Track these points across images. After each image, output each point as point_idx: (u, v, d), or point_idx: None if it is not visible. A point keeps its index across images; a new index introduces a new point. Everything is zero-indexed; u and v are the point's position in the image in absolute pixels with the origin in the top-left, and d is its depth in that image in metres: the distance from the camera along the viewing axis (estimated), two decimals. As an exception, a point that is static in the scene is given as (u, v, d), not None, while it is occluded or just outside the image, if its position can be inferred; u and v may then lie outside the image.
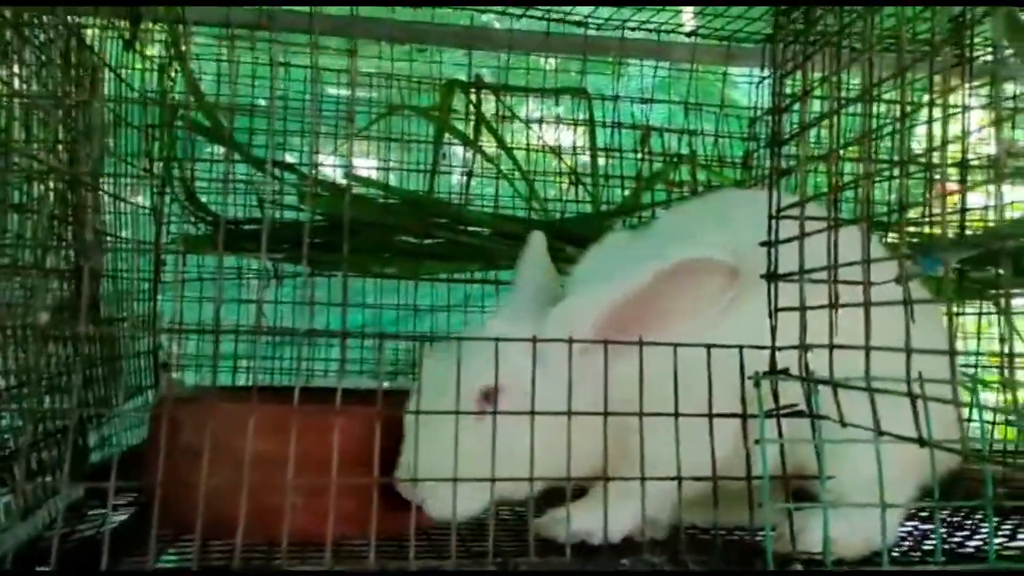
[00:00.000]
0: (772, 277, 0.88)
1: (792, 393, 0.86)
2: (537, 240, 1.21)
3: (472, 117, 1.93)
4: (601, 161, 1.96)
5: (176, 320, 1.71)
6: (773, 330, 0.87)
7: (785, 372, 0.85)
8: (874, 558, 0.89)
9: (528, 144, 1.98)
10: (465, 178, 1.96)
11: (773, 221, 0.88)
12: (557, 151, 1.96)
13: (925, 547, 1.07)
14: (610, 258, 1.08)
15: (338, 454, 0.79)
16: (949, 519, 1.20)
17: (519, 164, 1.90)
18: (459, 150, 2.03)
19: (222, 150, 1.84)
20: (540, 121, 2.01)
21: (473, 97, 1.92)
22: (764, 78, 1.95)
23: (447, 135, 1.93)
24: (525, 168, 1.93)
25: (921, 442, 0.72)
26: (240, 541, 0.76)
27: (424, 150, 2.00)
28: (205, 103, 1.69)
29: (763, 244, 0.89)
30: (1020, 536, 1.15)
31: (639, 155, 1.95)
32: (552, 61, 2.05)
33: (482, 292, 1.93)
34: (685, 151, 1.98)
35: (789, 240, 0.87)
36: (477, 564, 0.84)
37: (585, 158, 2.00)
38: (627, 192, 1.96)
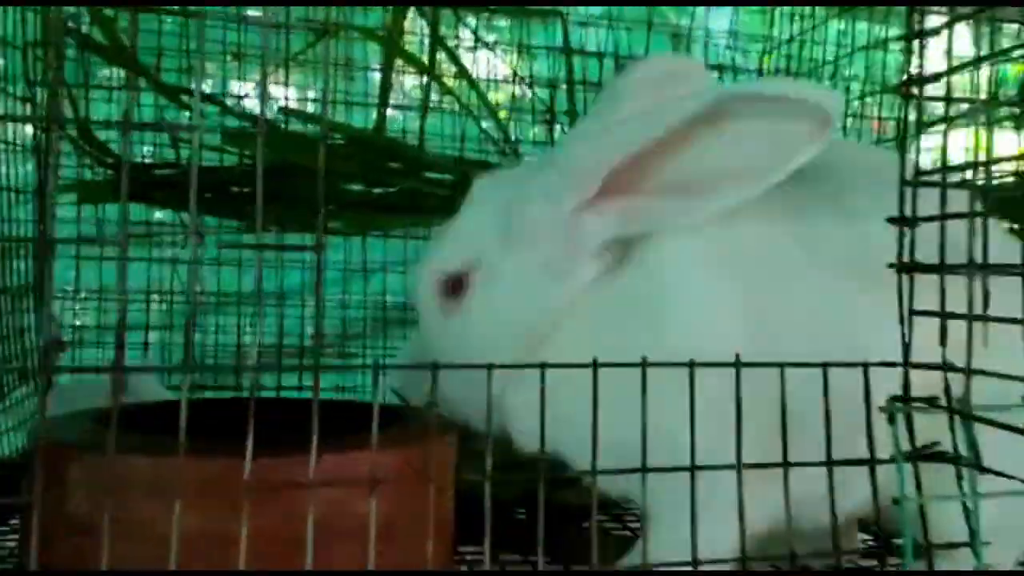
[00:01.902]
0: (905, 267, 0.64)
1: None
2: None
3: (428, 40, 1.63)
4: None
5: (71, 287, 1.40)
6: (906, 344, 0.64)
7: (932, 401, 0.62)
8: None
9: (495, 76, 1.69)
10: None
11: (907, 189, 0.64)
12: (531, 83, 1.68)
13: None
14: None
15: (322, 530, 0.53)
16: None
17: (485, 97, 1.61)
18: (411, 81, 1.73)
19: (123, 74, 1.50)
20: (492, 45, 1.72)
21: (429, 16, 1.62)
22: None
23: (398, 61, 1.63)
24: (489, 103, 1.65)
25: None
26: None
27: (370, 79, 1.70)
28: (101, 14, 1.35)
29: (892, 220, 0.65)
30: None
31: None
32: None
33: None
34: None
35: (929, 219, 0.63)
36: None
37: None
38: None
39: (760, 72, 1.68)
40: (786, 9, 1.60)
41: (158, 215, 1.54)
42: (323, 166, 0.63)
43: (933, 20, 0.64)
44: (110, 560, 0.53)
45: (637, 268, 0.72)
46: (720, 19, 1.87)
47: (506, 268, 0.73)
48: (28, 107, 1.36)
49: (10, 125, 1.35)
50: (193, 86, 1.43)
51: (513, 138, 1.67)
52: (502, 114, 1.64)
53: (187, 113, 1.46)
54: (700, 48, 1.77)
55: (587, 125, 0.84)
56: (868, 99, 1.56)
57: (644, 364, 0.61)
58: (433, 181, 1.53)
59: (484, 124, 1.59)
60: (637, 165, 0.70)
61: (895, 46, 1.62)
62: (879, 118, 1.59)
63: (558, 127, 1.64)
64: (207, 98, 1.44)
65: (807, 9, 1.54)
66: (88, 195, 1.42)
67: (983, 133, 0.61)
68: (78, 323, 1.53)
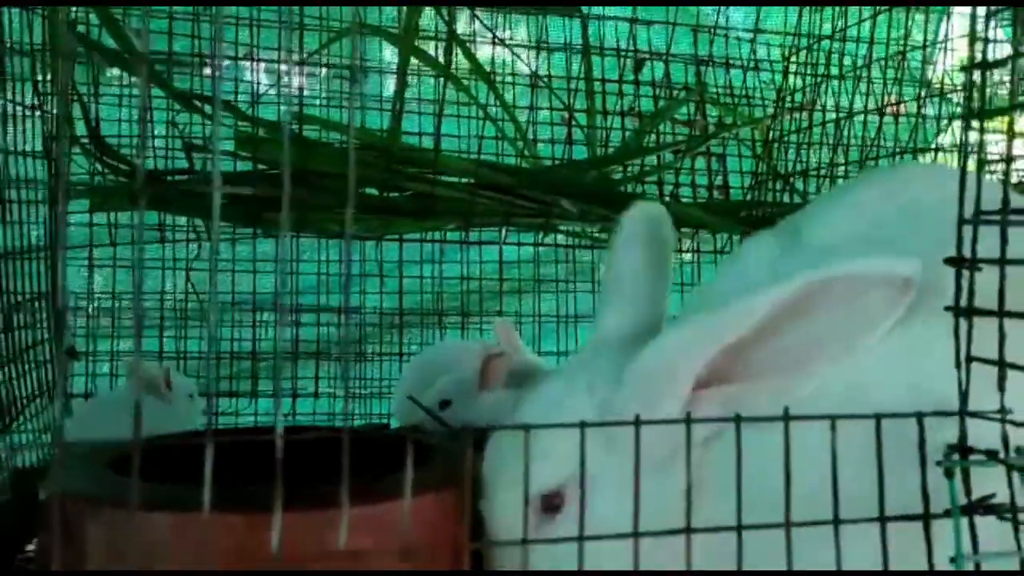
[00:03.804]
0: (962, 312, 0.61)
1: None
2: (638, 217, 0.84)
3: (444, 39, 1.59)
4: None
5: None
6: (963, 392, 0.61)
7: (992, 454, 0.59)
8: None
9: (513, 74, 1.65)
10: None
11: (966, 228, 0.61)
12: (548, 83, 1.64)
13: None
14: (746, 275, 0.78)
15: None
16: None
17: (503, 99, 1.58)
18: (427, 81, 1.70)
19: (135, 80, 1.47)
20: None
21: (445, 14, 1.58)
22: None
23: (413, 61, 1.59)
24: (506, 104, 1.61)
25: None
26: None
27: (384, 80, 1.67)
28: (111, 19, 1.32)
29: (949, 262, 0.61)
30: None
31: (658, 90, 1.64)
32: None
33: (461, 253, 1.64)
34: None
35: (986, 262, 0.60)
36: None
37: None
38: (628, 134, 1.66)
39: (785, 71, 1.64)
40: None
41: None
42: (354, 172, 0.59)
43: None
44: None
45: None
46: (739, 12, 1.82)
47: (610, 476, 0.68)
48: (38, 113, 1.34)
49: (21, 131, 1.33)
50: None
51: (531, 138, 1.64)
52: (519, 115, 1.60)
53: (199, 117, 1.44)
54: (720, 43, 1.73)
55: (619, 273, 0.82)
56: (893, 96, 1.52)
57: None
58: (449, 184, 1.50)
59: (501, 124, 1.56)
60: (726, 356, 0.68)
61: (918, 42, 1.59)
62: (911, 113, 1.54)
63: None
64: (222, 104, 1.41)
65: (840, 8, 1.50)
66: (101, 202, 1.40)
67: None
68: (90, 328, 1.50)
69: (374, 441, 0.79)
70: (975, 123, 0.62)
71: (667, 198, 1.64)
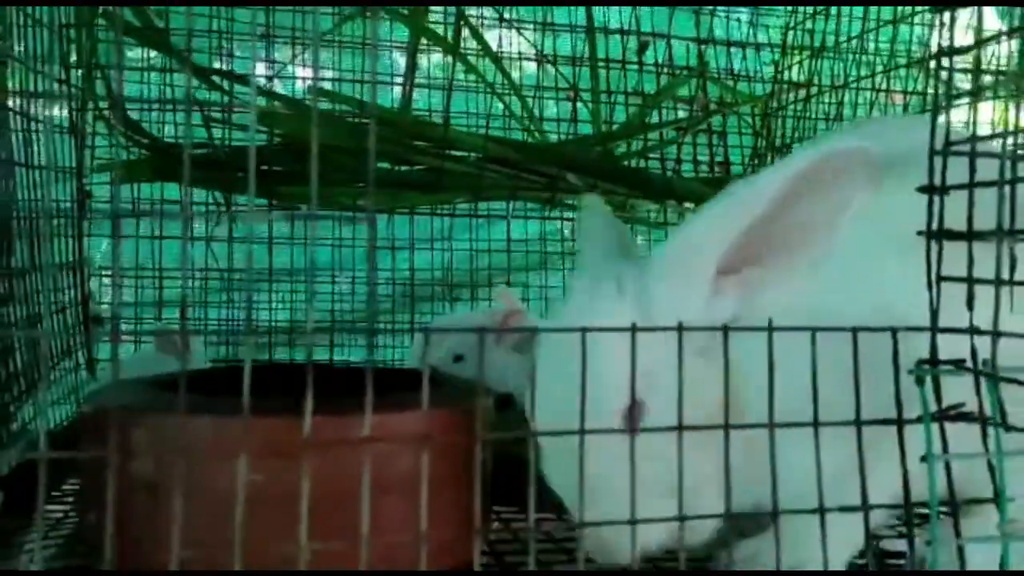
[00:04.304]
0: (934, 235, 0.66)
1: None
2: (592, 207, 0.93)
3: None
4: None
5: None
6: (934, 310, 0.66)
7: (960, 363, 0.64)
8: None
9: (520, 54, 1.70)
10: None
11: (937, 158, 0.66)
12: (554, 61, 1.70)
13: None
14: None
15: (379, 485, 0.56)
16: None
17: (509, 76, 1.63)
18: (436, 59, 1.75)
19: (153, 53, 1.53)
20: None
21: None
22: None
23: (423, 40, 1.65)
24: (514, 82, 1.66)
25: None
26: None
27: (393, 57, 1.72)
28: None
29: (922, 189, 0.67)
30: None
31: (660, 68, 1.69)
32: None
33: (469, 225, 1.69)
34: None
35: (956, 187, 0.65)
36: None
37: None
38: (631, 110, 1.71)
39: (783, 47, 1.68)
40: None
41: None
42: (373, 147, 0.63)
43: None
44: (175, 518, 0.56)
45: None
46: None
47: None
48: (63, 88, 1.39)
49: (47, 106, 1.39)
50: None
51: (537, 115, 1.69)
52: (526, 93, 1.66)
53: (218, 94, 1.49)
54: (721, 23, 1.78)
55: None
56: (892, 72, 1.57)
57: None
58: (458, 159, 1.55)
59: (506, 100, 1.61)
60: (742, 242, 0.72)
61: (919, 19, 1.63)
62: (904, 92, 1.59)
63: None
64: (238, 78, 1.47)
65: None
66: (125, 174, 1.45)
67: (1011, 105, 0.63)
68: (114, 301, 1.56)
69: (394, 375, 0.85)
70: (944, 61, 0.67)
71: (669, 173, 1.69)
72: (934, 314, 0.66)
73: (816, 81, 1.62)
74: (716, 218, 0.73)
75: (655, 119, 1.69)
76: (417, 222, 1.66)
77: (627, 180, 1.66)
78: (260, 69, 1.55)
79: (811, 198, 0.72)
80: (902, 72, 1.61)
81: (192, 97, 1.49)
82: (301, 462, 0.55)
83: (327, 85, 1.62)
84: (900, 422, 0.65)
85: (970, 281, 0.65)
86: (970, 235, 0.65)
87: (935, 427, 0.64)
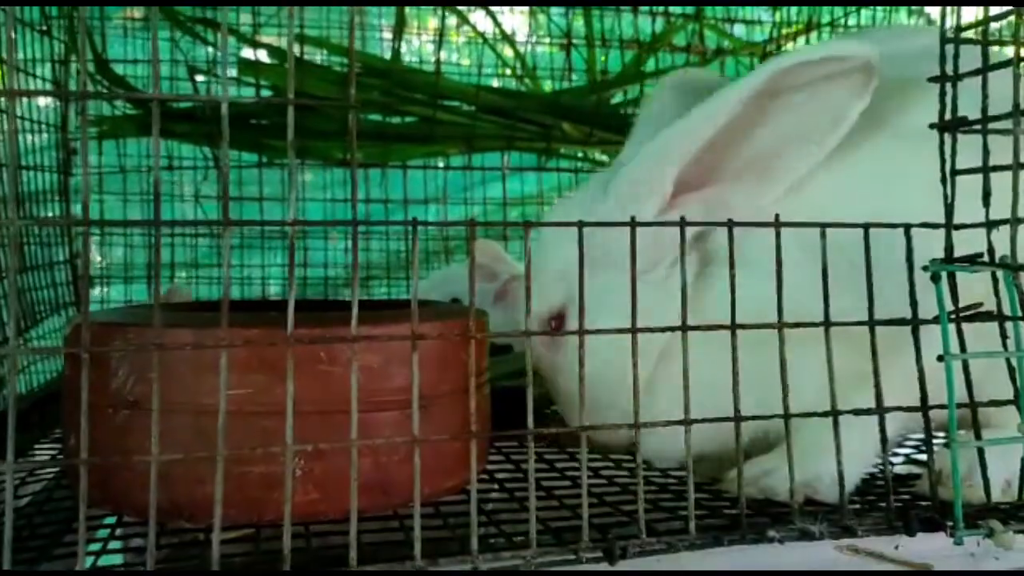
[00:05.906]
0: (947, 126, 0.63)
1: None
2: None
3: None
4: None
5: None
6: (948, 205, 0.63)
7: (975, 259, 0.61)
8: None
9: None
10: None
11: (948, 47, 0.63)
12: (546, 11, 1.66)
13: None
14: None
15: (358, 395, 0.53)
16: None
17: (500, 25, 1.60)
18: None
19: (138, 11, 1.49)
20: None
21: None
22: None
23: None
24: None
25: None
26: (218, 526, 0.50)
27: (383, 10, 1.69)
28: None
29: (933, 80, 0.63)
30: None
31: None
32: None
33: (464, 180, 1.66)
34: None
35: (969, 74, 0.62)
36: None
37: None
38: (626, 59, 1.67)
39: (775, 23, 1.65)
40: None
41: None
42: (357, 97, 0.60)
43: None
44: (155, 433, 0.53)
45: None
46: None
47: (598, 294, 0.68)
48: (46, 41, 1.36)
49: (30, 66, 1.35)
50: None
51: (530, 64, 1.65)
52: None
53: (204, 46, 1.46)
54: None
55: (639, 136, 0.86)
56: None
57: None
58: (450, 109, 1.52)
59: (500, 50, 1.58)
60: (704, 159, 0.70)
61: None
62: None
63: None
64: (220, 28, 1.43)
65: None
66: (110, 130, 1.42)
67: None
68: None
69: (389, 304, 0.82)
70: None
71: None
72: (948, 209, 0.63)
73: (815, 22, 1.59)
74: (673, 136, 0.71)
75: (651, 67, 1.65)
76: (411, 178, 1.62)
77: (623, 128, 1.62)
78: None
79: (798, 110, 0.69)
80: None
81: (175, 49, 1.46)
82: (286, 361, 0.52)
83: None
84: (916, 322, 0.62)
85: (985, 170, 0.62)
86: (985, 121, 0.61)
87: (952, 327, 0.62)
